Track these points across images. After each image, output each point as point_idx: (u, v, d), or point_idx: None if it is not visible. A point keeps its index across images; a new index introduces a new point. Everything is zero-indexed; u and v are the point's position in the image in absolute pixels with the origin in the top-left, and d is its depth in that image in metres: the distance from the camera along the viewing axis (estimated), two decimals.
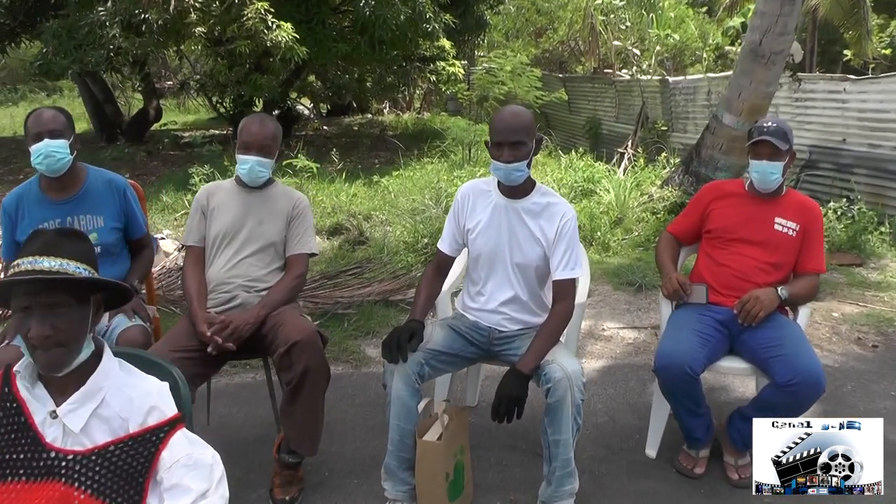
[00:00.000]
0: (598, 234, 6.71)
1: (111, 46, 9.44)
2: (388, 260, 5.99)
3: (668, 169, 9.01)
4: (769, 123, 3.17)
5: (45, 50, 9.94)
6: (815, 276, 3.25)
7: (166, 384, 1.81)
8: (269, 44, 9.10)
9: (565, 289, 2.85)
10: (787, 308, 3.23)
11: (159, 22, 9.13)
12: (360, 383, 4.04)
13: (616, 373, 4.18)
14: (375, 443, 3.35)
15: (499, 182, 2.92)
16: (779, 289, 3.09)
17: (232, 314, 2.95)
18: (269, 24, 9.03)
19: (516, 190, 2.87)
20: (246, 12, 8.91)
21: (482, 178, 3.14)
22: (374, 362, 4.30)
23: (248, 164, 3.09)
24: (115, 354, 1.83)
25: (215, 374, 3.10)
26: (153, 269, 5.69)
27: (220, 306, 3.04)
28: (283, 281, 3.10)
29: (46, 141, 2.94)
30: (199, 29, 9.14)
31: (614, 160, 10.57)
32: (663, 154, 9.53)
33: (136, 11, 8.97)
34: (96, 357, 1.78)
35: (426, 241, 6.20)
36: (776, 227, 3.22)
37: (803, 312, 3.24)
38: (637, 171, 9.08)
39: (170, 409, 1.76)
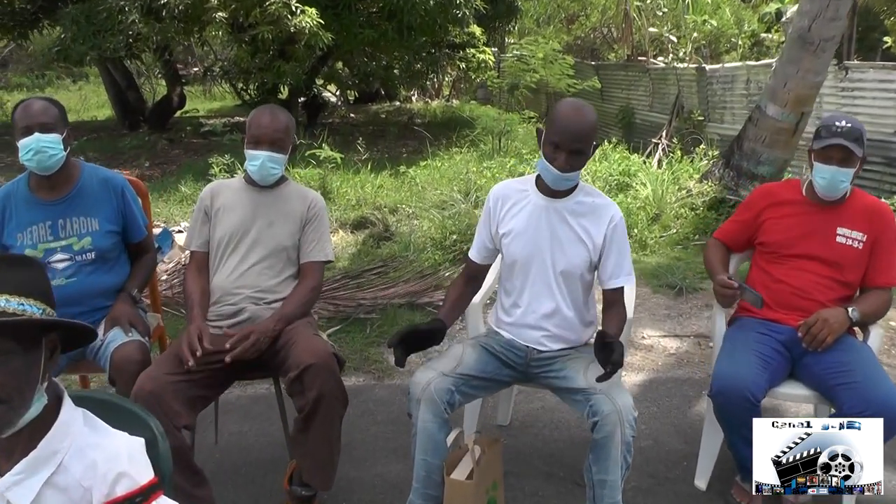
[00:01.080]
0: (636, 231, 6.36)
1: (130, 32, 9.24)
2: (415, 258, 5.69)
3: (705, 161, 8.61)
4: (842, 123, 2.74)
5: (63, 36, 9.77)
6: (888, 291, 2.89)
7: (140, 441, 1.47)
8: (292, 29, 8.80)
9: (619, 296, 2.63)
10: (854, 328, 2.88)
11: (179, 7, 8.89)
12: (383, 398, 3.74)
13: (658, 388, 3.85)
14: (399, 467, 3.08)
15: (537, 179, 2.62)
16: (849, 310, 2.73)
17: (248, 326, 2.66)
18: (293, 8, 8.74)
19: (559, 190, 2.56)
20: None
21: (516, 178, 2.81)
22: (398, 373, 4.00)
23: (258, 160, 2.79)
24: (79, 402, 1.50)
25: (220, 395, 2.80)
26: (167, 266, 5.49)
27: (227, 320, 2.75)
28: (298, 292, 2.81)
29: (37, 135, 2.67)
30: (221, 14, 8.86)
31: (648, 150, 10.19)
32: (701, 146, 9.13)
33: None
34: (53, 410, 1.45)
35: (454, 237, 5.89)
36: (839, 239, 2.84)
37: (875, 333, 2.88)
38: (673, 163, 8.68)
39: (143, 475, 1.42)
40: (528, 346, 2.62)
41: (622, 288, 2.63)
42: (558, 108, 2.48)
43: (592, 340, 2.74)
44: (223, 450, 3.27)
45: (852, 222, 2.85)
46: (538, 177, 2.61)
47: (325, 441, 2.54)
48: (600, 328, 2.51)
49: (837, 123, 2.74)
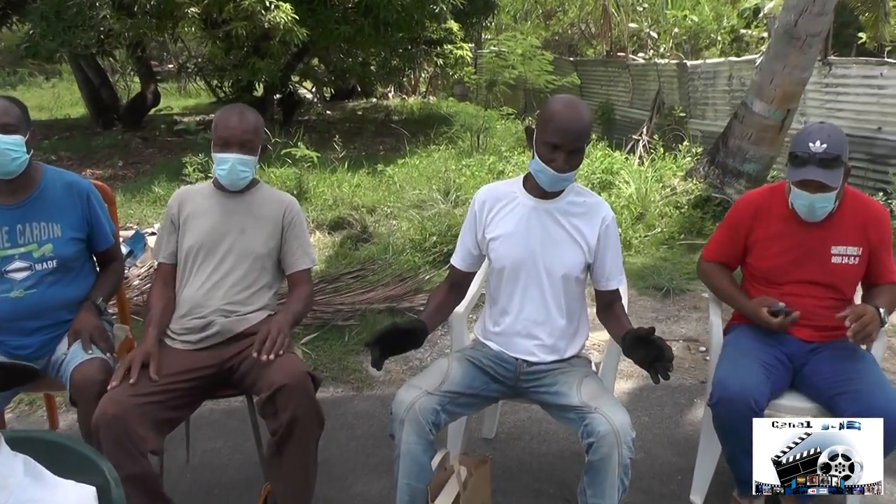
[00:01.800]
0: (620, 230, 6.18)
1: (101, 28, 9.00)
2: (394, 260, 5.53)
3: (689, 158, 8.52)
4: (816, 144, 2.48)
5: (32, 32, 9.52)
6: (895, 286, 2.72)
7: (91, 490, 1.28)
8: (266, 25, 8.61)
9: (619, 296, 2.54)
10: None
11: (151, 2, 8.65)
12: (363, 410, 3.57)
13: (648, 396, 3.71)
14: (380, 485, 2.93)
15: (525, 180, 2.47)
16: (881, 311, 2.54)
17: (264, 324, 2.51)
18: (267, 4, 8.55)
19: (552, 191, 2.41)
20: None
21: (502, 181, 2.66)
22: (378, 383, 3.84)
23: (227, 164, 2.61)
24: (19, 445, 1.29)
25: (190, 415, 2.61)
26: (139, 271, 5.29)
27: (196, 334, 2.57)
28: (298, 295, 2.68)
29: None
30: (193, 10, 8.64)
31: (628, 147, 10.08)
32: (685, 143, 9.03)
33: None
34: None
35: (434, 239, 5.73)
36: (834, 259, 2.66)
37: (878, 342, 2.72)
38: (656, 160, 8.58)
39: None
40: (517, 359, 2.46)
41: (618, 289, 2.52)
42: (552, 107, 2.32)
43: (584, 352, 2.62)
44: (195, 469, 3.09)
45: (846, 237, 2.67)
46: (526, 178, 2.47)
47: (301, 465, 2.37)
48: (627, 328, 2.33)
49: (812, 146, 2.49)
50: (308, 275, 2.75)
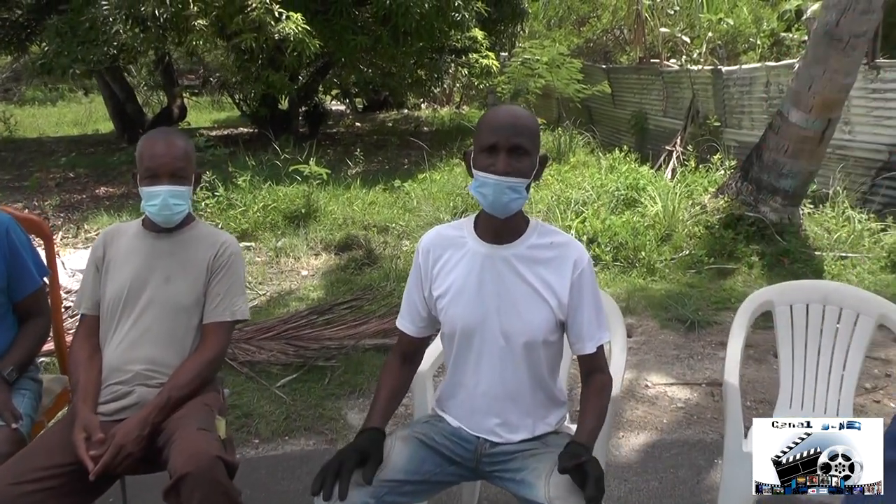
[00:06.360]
0: (643, 253, 5.74)
1: (115, 43, 8.78)
2: (394, 287, 5.13)
3: (722, 172, 7.99)
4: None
5: (47, 48, 9.38)
6: None
7: None
8: (277, 36, 8.29)
9: (601, 360, 2.02)
10: None
11: (164, 16, 8.39)
12: None
13: (661, 454, 3.23)
14: None
15: (476, 221, 2.03)
16: None
17: (113, 431, 2.09)
18: (277, 14, 8.23)
19: (504, 229, 1.97)
20: (250, 2, 8.11)
21: (450, 222, 2.21)
22: (354, 432, 3.43)
23: (158, 198, 2.25)
24: None
25: (96, 499, 2.21)
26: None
27: (114, 402, 2.19)
28: (188, 365, 2.24)
29: None
30: (201, 22, 8.34)
31: (661, 159, 9.57)
32: (717, 155, 8.49)
33: (141, 7, 8.26)
34: None
35: None
36: None
37: None
38: (687, 174, 8.06)
39: None
40: (478, 438, 2.03)
41: (602, 348, 2.02)
42: (485, 115, 1.95)
43: (562, 425, 2.16)
44: None
45: None
46: (476, 218, 2.04)
47: None
48: (580, 431, 1.89)
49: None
50: (223, 330, 2.33)
